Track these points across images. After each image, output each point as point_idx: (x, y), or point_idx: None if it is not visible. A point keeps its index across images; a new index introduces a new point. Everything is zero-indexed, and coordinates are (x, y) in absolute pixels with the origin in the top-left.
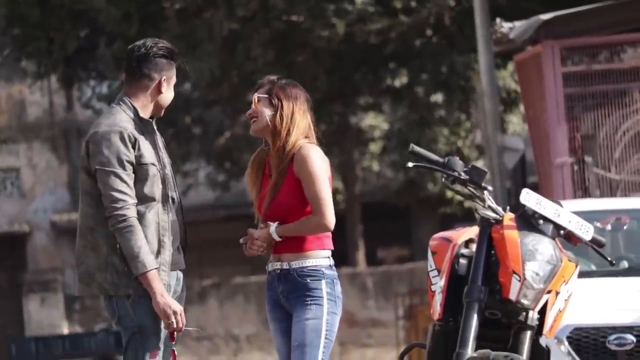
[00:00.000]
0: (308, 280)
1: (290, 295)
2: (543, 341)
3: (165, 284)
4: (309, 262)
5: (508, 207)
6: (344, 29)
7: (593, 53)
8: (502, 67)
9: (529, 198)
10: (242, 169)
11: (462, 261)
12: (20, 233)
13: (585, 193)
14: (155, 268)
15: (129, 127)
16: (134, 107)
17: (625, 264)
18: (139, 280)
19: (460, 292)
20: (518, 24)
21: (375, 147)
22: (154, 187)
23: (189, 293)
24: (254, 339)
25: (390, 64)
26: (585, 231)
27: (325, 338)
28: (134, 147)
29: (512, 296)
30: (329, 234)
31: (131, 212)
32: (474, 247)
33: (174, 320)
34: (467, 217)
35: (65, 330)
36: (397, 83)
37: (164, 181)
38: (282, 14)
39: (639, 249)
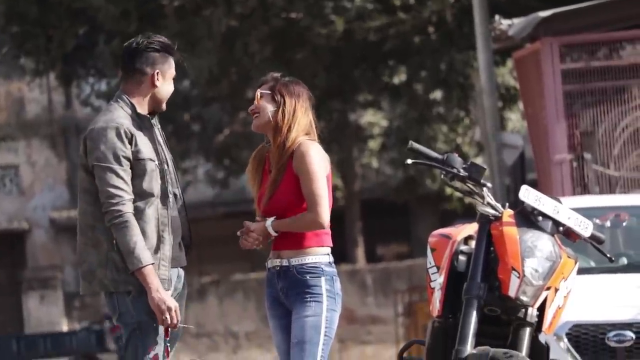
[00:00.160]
0: (307, 277)
1: (289, 292)
2: (542, 338)
3: (166, 279)
4: (309, 259)
5: (507, 204)
6: (343, 26)
7: (592, 50)
8: (501, 64)
9: (528, 195)
10: (241, 166)
11: (462, 258)
12: (20, 230)
13: (585, 190)
14: (151, 264)
15: (125, 122)
16: (131, 104)
17: (624, 261)
18: None
19: (460, 289)
20: (517, 21)
21: (374, 144)
22: (152, 183)
23: (187, 290)
24: (253, 336)
25: (389, 61)
26: (585, 228)
27: (325, 335)
28: (130, 143)
29: (512, 293)
30: (329, 231)
31: (127, 208)
32: (473, 243)
33: (168, 317)
34: (466, 214)
35: (64, 327)
36: (396, 80)
37: (163, 177)
38: (281, 11)
39: (638, 246)
